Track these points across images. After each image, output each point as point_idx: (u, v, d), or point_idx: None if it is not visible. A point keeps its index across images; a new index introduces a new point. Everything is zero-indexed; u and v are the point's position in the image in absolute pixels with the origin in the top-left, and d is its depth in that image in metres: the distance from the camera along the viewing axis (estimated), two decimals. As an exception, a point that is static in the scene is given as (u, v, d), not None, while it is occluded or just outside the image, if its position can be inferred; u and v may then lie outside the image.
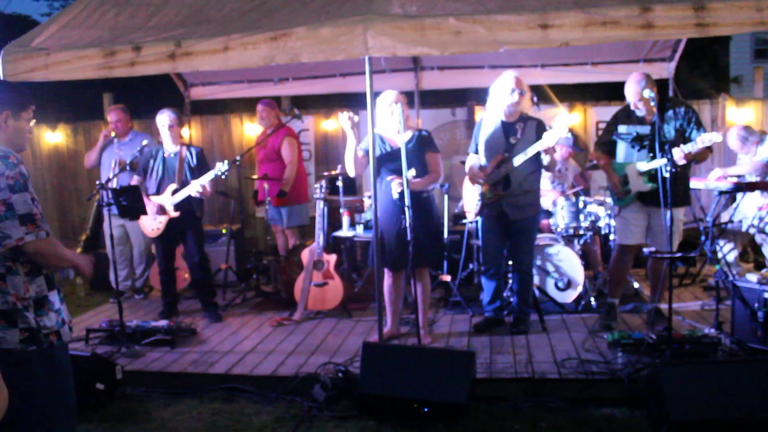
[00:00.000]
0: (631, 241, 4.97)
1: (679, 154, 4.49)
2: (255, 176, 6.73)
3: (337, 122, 8.13)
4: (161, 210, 5.61)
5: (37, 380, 2.57)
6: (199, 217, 5.84)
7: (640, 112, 4.81)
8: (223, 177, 5.62)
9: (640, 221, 4.92)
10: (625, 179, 4.87)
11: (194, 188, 5.51)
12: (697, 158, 4.71)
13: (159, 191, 5.67)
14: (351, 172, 4.95)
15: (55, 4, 20.92)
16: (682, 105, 4.84)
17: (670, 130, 4.70)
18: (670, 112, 4.77)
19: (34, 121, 2.82)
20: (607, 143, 5.05)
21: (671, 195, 4.31)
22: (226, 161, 5.53)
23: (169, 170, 5.69)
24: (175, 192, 5.59)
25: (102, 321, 5.25)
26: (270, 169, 6.47)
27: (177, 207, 5.58)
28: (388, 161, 4.72)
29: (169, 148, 5.72)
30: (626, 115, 4.96)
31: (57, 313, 2.65)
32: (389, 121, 4.71)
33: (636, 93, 4.71)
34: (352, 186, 7.09)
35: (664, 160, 4.36)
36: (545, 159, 4.78)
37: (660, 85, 5.01)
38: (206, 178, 5.52)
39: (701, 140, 4.47)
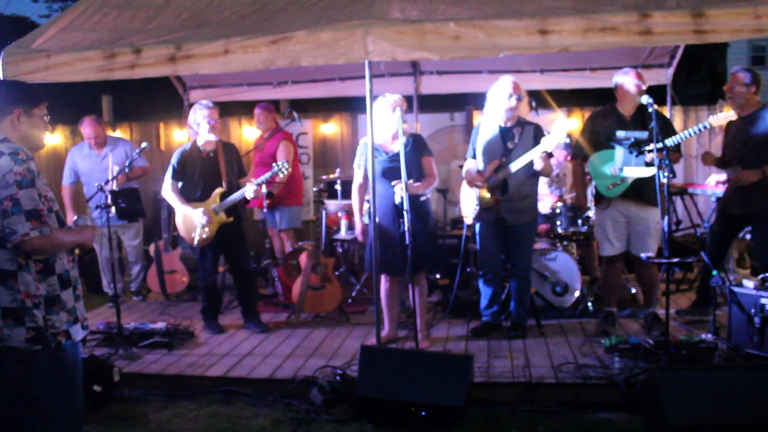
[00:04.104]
0: (612, 252, 5.03)
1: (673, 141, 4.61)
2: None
3: (336, 126, 8.19)
4: (210, 216, 5.21)
5: (42, 379, 2.58)
6: (243, 219, 5.55)
7: (626, 108, 4.91)
8: (281, 176, 5.29)
9: (620, 229, 4.97)
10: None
11: (250, 190, 5.14)
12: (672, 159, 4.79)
13: (203, 196, 5.28)
14: (356, 203, 5.01)
15: (54, 6, 20.98)
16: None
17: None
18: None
19: (48, 117, 2.80)
20: (584, 148, 5.04)
21: (650, 193, 4.43)
22: (285, 160, 5.27)
23: (210, 172, 5.29)
24: (223, 195, 5.25)
25: (99, 323, 5.24)
26: (265, 173, 6.45)
27: (227, 211, 5.28)
28: (384, 168, 4.72)
29: (206, 147, 5.31)
30: (602, 115, 5.04)
31: (69, 312, 2.66)
32: (384, 127, 4.71)
33: (636, 86, 4.84)
34: (350, 189, 7.08)
35: (654, 169, 4.42)
36: (537, 164, 4.80)
37: (658, 91, 5.05)
38: (263, 178, 5.21)
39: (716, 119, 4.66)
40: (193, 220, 5.24)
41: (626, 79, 4.90)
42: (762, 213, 4.86)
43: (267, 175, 5.21)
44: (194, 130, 5.29)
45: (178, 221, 5.42)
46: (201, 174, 5.28)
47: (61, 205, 6.43)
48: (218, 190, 5.25)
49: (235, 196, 5.23)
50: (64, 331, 2.62)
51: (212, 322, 5.50)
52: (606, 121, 4.99)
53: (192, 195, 5.30)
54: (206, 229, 5.23)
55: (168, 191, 5.32)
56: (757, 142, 4.79)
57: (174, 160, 5.32)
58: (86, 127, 6.32)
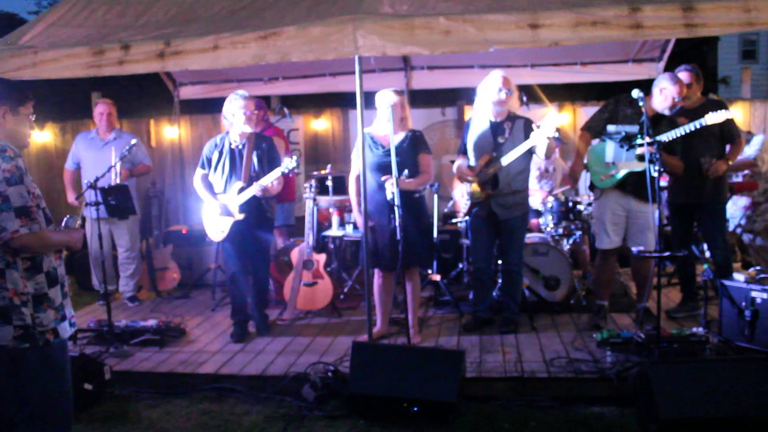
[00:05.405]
0: (609, 246, 5.00)
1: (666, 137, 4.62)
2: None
3: (327, 121, 8.18)
4: (227, 211, 5.07)
5: (30, 378, 2.57)
6: (270, 218, 5.26)
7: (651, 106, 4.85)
8: (290, 175, 5.13)
9: (620, 222, 4.95)
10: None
11: (255, 189, 4.96)
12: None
13: (226, 189, 5.13)
14: (353, 194, 4.96)
15: (42, 2, 20.85)
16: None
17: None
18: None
19: (34, 116, 2.82)
20: (600, 124, 5.01)
21: (649, 189, 4.36)
22: (294, 157, 4.95)
23: (236, 165, 5.10)
24: (241, 191, 5.03)
25: (90, 321, 5.22)
26: None
27: (243, 208, 5.02)
28: (380, 162, 4.72)
29: (237, 138, 5.10)
30: (629, 102, 4.88)
31: (56, 310, 2.65)
32: (386, 120, 4.69)
33: (672, 100, 4.78)
34: (341, 185, 7.08)
35: (645, 164, 4.40)
36: (541, 151, 4.75)
37: (649, 86, 5.03)
38: (269, 178, 4.96)
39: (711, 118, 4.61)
40: (211, 214, 5.16)
41: (671, 89, 4.77)
42: (710, 200, 5.07)
43: (274, 174, 4.98)
44: (229, 121, 5.11)
45: (203, 214, 5.30)
46: (226, 167, 5.13)
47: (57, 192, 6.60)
48: (236, 185, 5.07)
49: (245, 194, 5.02)
50: (52, 329, 2.61)
51: (237, 327, 5.21)
52: (629, 109, 4.91)
53: (217, 187, 5.19)
54: (221, 224, 5.12)
55: (197, 181, 5.26)
56: (708, 134, 4.94)
57: (205, 151, 5.25)
58: (101, 105, 6.36)
